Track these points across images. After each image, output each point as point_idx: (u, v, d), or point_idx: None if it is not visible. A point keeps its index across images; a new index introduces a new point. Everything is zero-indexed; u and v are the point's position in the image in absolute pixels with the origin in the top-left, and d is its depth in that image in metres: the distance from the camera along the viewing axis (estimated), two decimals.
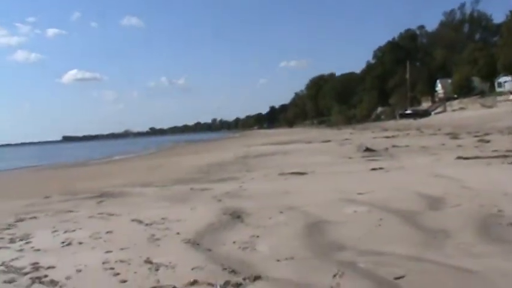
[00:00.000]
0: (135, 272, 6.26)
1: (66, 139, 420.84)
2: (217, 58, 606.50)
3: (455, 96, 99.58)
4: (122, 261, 6.84)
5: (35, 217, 11.65)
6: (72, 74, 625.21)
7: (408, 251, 6.33)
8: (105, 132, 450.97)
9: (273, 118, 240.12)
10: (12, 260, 7.45)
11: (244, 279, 5.66)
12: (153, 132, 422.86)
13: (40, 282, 6.20)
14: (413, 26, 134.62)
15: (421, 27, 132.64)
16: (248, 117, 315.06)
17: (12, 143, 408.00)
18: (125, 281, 5.96)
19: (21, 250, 8.16)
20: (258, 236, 7.74)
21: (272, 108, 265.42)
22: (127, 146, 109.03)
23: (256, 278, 5.68)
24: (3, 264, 7.22)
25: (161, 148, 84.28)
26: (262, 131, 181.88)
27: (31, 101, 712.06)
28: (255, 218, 9.22)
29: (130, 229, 9.16)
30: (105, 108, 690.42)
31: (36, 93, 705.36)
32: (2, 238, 9.27)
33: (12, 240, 8.99)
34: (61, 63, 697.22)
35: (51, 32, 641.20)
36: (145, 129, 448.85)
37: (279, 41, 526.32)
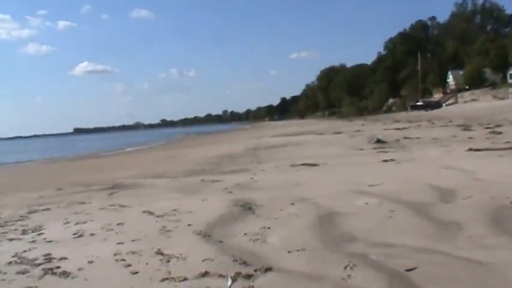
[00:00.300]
0: (147, 264, 6.29)
1: (78, 131, 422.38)
2: (228, 50, 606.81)
3: (467, 87, 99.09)
4: (133, 252, 6.88)
5: (47, 209, 11.72)
6: (83, 67, 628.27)
7: (419, 243, 6.33)
8: (116, 124, 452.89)
9: (284, 109, 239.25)
10: (25, 251, 7.52)
11: (255, 270, 5.67)
12: (164, 124, 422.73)
13: (52, 274, 6.23)
14: (424, 17, 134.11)
15: (433, 18, 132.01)
16: (259, 108, 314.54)
17: (24, 135, 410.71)
18: (136, 272, 5.99)
19: (33, 241, 8.22)
20: (269, 228, 7.76)
21: (283, 100, 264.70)
22: (138, 138, 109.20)
23: (268, 269, 5.69)
24: (16, 255, 7.28)
25: (172, 140, 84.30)
26: (273, 122, 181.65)
27: (43, 93, 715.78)
28: (266, 209, 9.24)
29: (141, 221, 9.21)
30: (116, 100, 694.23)
31: (47, 86, 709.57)
32: (15, 229, 9.36)
33: (24, 232, 9.07)
34: (72, 55, 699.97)
35: (61, 24, 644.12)
36: (156, 121, 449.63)
37: (290, 32, 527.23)
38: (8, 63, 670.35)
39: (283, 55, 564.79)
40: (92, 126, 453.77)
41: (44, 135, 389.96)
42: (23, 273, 6.37)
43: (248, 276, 5.50)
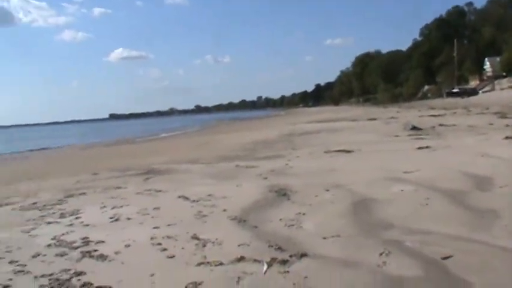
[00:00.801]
0: (183, 248, 6.36)
1: (113, 117, 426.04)
2: (262, 36, 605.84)
3: (504, 74, 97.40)
4: (169, 237, 6.96)
5: (83, 193, 11.91)
6: (118, 53, 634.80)
7: (455, 231, 6.29)
8: (151, 110, 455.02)
9: (319, 96, 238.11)
10: (63, 234, 7.68)
11: (290, 256, 5.70)
12: (199, 110, 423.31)
13: (90, 257, 6.35)
14: (461, 3, 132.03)
15: (470, 4, 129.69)
16: (293, 95, 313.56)
17: (61, 121, 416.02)
18: (172, 257, 6.06)
19: (71, 225, 8.38)
20: (304, 214, 7.78)
21: (317, 86, 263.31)
22: (172, 124, 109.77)
23: (303, 255, 5.71)
24: (54, 238, 7.45)
25: (206, 126, 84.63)
26: (307, 109, 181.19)
27: (79, 79, 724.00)
28: (300, 195, 9.26)
29: (177, 205, 9.30)
30: (151, 86, 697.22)
31: (83, 72, 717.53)
32: (53, 213, 9.55)
33: (62, 215, 9.25)
34: (107, 42, 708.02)
35: (97, 11, 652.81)
36: (191, 107, 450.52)
37: (325, 18, 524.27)
38: (45, 50, 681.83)
39: (318, 41, 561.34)
40: (127, 112, 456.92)
41: (80, 121, 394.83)
42: (62, 255, 6.51)
43: (284, 262, 5.53)
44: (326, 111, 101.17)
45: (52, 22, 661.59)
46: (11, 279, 5.72)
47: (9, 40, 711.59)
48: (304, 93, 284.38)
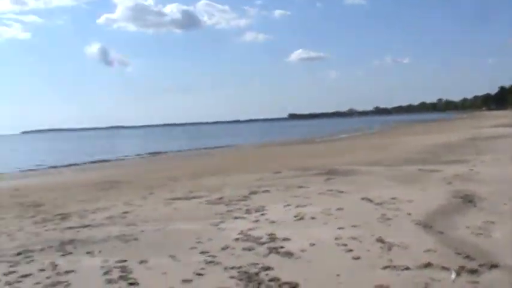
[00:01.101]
0: (368, 250, 6.37)
1: (292, 117, 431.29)
2: (443, 36, 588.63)
3: None
4: (353, 238, 6.99)
5: (267, 190, 12.27)
6: (297, 54, 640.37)
7: None
8: (330, 110, 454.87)
9: (502, 99, 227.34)
10: (250, 229, 7.96)
11: (480, 266, 5.53)
12: (377, 111, 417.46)
13: (276, 253, 6.53)
14: None
15: None
16: (475, 97, 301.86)
17: (241, 119, 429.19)
18: (358, 258, 6.09)
19: (257, 221, 8.67)
20: (492, 222, 7.52)
21: (501, 89, 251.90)
22: (352, 125, 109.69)
23: (493, 266, 5.52)
24: (241, 232, 7.75)
25: (385, 128, 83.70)
26: (490, 112, 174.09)
27: (260, 80, 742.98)
28: (488, 203, 8.98)
29: (360, 207, 9.33)
30: (330, 87, 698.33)
31: (264, 73, 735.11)
32: (239, 208, 9.93)
33: (248, 211, 9.60)
34: (287, 43, 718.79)
35: (277, 13, 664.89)
36: (370, 108, 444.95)
37: (509, 17, 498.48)
38: (227, 51, 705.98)
39: (501, 42, 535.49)
40: (305, 112, 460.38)
41: (260, 120, 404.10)
42: (249, 249, 6.76)
43: (473, 271, 5.38)
44: (511, 115, 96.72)
45: (234, 24, 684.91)
46: (203, 269, 6.02)
47: (196, 42, 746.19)
48: (487, 95, 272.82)
